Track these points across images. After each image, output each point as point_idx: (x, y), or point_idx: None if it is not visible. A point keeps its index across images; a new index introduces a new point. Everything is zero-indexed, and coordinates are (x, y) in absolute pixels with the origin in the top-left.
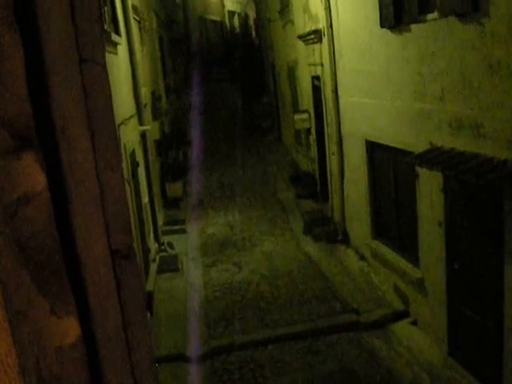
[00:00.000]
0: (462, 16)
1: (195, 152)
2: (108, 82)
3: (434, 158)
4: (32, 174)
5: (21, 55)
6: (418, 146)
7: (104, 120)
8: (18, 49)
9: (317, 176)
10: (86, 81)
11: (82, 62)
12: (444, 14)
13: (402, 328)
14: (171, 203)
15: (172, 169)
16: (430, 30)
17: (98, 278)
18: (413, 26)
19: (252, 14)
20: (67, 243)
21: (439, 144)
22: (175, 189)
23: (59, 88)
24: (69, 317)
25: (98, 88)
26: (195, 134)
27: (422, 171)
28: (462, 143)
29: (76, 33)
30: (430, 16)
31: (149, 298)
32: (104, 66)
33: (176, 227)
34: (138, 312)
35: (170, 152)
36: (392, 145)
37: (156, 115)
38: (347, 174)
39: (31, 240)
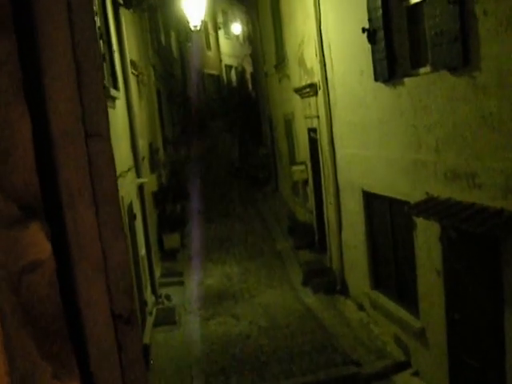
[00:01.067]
0: (453, 70)
1: (193, 203)
2: (112, 155)
3: (431, 207)
4: (38, 243)
5: (29, 129)
6: (415, 195)
7: (109, 192)
8: (26, 122)
9: (314, 226)
10: (91, 154)
11: (87, 136)
12: (436, 68)
13: (403, 379)
14: (168, 255)
15: (169, 220)
16: (422, 83)
17: (99, 343)
18: (406, 80)
19: (249, 68)
20: (70, 308)
21: (435, 194)
22: (172, 240)
23: (65, 161)
24: (71, 381)
25: (103, 161)
26: (193, 185)
27: (419, 220)
28: (458, 193)
29: (82, 108)
30: (422, 70)
31: (145, 351)
32: (109, 139)
33: (173, 279)
34: (139, 376)
35: (167, 204)
36: (389, 195)
37: (154, 167)
38: (345, 224)
39: (35, 306)
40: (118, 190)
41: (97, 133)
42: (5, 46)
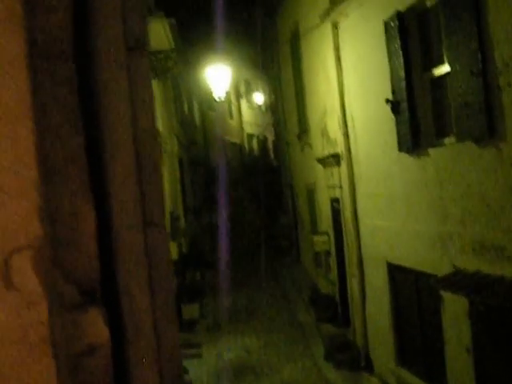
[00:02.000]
0: (478, 141)
1: (213, 273)
2: (169, 244)
3: (458, 281)
4: (96, 328)
5: (93, 218)
6: (442, 268)
7: (164, 279)
8: (91, 212)
9: (337, 298)
10: (149, 243)
11: (146, 225)
12: (461, 139)
13: None
14: (186, 325)
15: (188, 290)
16: (447, 153)
17: None
18: (430, 150)
19: (270, 137)
20: None
21: (463, 266)
22: (191, 311)
23: (124, 248)
24: None
25: (159, 250)
26: (214, 254)
27: (447, 294)
28: (486, 265)
29: (142, 200)
30: (447, 140)
31: None
32: (165, 229)
33: (191, 351)
34: None
35: (187, 273)
36: (414, 267)
37: (174, 236)
38: (369, 297)
39: None
40: (173, 279)
41: (154, 223)
42: (77, 142)
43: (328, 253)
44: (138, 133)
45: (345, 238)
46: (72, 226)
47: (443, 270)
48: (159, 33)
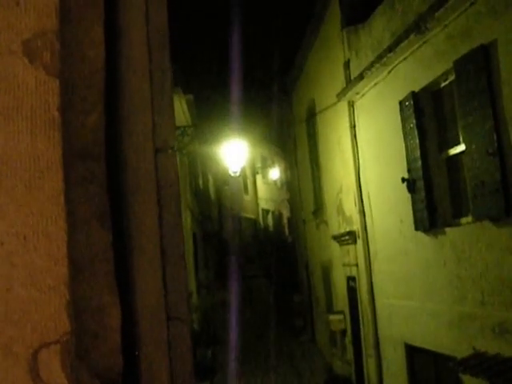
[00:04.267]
0: (496, 220)
1: (225, 351)
2: (190, 338)
3: (479, 364)
4: None
5: (118, 315)
6: (461, 350)
7: (186, 374)
8: (117, 309)
9: (353, 380)
10: (171, 336)
11: (169, 319)
12: (478, 218)
13: None
14: None
15: (199, 368)
16: (465, 233)
17: None
18: (447, 229)
19: (285, 213)
20: None
21: (483, 349)
22: None
23: (147, 340)
24: None
25: (181, 343)
26: (226, 331)
27: (467, 378)
28: (507, 348)
29: (166, 294)
30: (464, 220)
31: None
32: (188, 324)
33: None
34: None
35: (198, 350)
36: (433, 349)
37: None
38: (386, 379)
39: None
40: (193, 368)
41: (178, 316)
42: (105, 238)
43: (344, 332)
44: (163, 232)
45: (361, 318)
46: (98, 321)
47: (462, 351)
48: (176, 109)
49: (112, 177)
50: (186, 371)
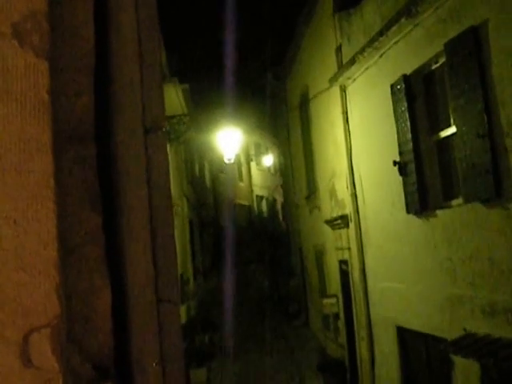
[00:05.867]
0: (486, 202)
1: (222, 336)
2: (180, 319)
3: (469, 345)
4: None
5: (109, 296)
6: (452, 332)
7: (175, 352)
8: (107, 290)
9: (346, 363)
10: (161, 318)
11: (159, 302)
12: (469, 200)
13: None
14: None
15: (197, 354)
16: (455, 215)
17: None
18: (438, 212)
19: (279, 199)
20: None
21: (473, 330)
22: (199, 376)
23: (139, 326)
24: None
25: (171, 326)
26: (222, 316)
27: (458, 359)
28: (497, 329)
29: (156, 278)
30: (454, 202)
31: None
32: (178, 305)
33: None
34: None
35: (196, 336)
36: (424, 331)
37: (184, 299)
38: (378, 361)
39: None
40: (183, 350)
41: (168, 299)
42: (95, 221)
43: (337, 316)
44: (153, 213)
45: (353, 301)
46: (88, 304)
47: (453, 333)
48: (172, 98)
49: (102, 159)
50: (177, 353)
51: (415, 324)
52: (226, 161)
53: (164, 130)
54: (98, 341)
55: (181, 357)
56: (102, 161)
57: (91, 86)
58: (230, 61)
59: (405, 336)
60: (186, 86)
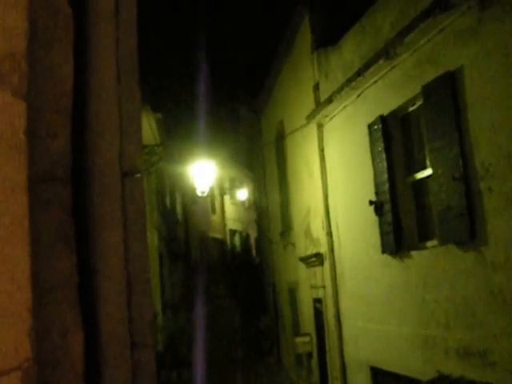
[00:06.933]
0: (461, 244)
1: (191, 372)
2: (154, 362)
3: None
4: None
5: (81, 342)
6: (426, 373)
7: (146, 374)
8: (80, 336)
9: None
10: (135, 362)
11: (133, 345)
12: (443, 242)
13: None
14: None
15: None
16: (430, 256)
17: None
18: (413, 253)
19: (253, 234)
20: None
21: (447, 372)
22: None
23: (112, 370)
24: None
25: (146, 371)
26: (192, 353)
27: None
28: (471, 371)
29: (130, 320)
30: (429, 243)
31: None
32: (153, 348)
33: None
34: None
35: (163, 371)
36: (398, 372)
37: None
38: None
39: None
40: None
41: (142, 342)
42: (69, 263)
43: (310, 355)
44: (130, 257)
45: (327, 340)
46: (60, 347)
47: (427, 374)
48: (145, 127)
49: (78, 201)
50: None
51: (389, 365)
52: (199, 193)
53: (141, 173)
54: None
55: None
56: (77, 203)
57: (68, 128)
58: (204, 92)
59: (379, 377)
60: (159, 115)
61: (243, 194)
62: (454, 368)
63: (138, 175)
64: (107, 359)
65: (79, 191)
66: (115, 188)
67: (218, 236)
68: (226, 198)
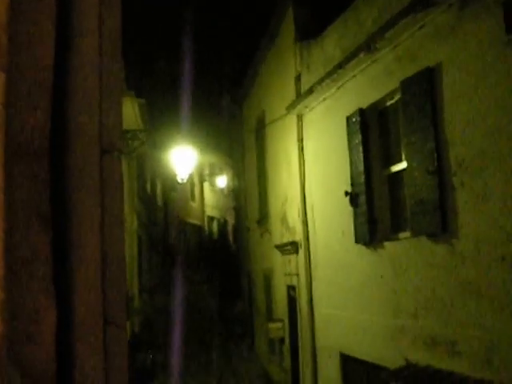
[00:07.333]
0: (432, 236)
1: (166, 355)
2: (126, 343)
3: (410, 375)
4: None
5: (54, 318)
6: (394, 361)
7: (119, 380)
8: (53, 312)
9: None
10: (107, 342)
11: (106, 324)
12: (416, 234)
13: None
14: None
15: (139, 373)
16: (403, 247)
17: None
18: (386, 244)
19: (231, 221)
20: None
21: (415, 360)
22: None
23: (84, 348)
24: None
25: (117, 350)
26: (167, 336)
27: None
28: (437, 360)
29: (104, 299)
30: (402, 235)
31: None
32: (125, 328)
33: None
34: None
35: (138, 354)
36: (367, 359)
37: (128, 315)
38: None
39: None
40: (127, 376)
41: (114, 322)
42: (44, 239)
43: (282, 340)
44: (106, 235)
45: (299, 326)
46: (33, 323)
47: (395, 363)
48: (129, 112)
49: (55, 176)
50: (121, 379)
51: (358, 352)
52: (179, 180)
53: (120, 151)
54: (40, 361)
55: (124, 382)
56: (54, 178)
57: (47, 102)
58: (188, 79)
59: (348, 363)
60: (143, 100)
61: (222, 181)
62: (421, 357)
63: (117, 153)
64: (79, 337)
65: (57, 167)
66: (94, 165)
67: (197, 222)
68: (206, 184)
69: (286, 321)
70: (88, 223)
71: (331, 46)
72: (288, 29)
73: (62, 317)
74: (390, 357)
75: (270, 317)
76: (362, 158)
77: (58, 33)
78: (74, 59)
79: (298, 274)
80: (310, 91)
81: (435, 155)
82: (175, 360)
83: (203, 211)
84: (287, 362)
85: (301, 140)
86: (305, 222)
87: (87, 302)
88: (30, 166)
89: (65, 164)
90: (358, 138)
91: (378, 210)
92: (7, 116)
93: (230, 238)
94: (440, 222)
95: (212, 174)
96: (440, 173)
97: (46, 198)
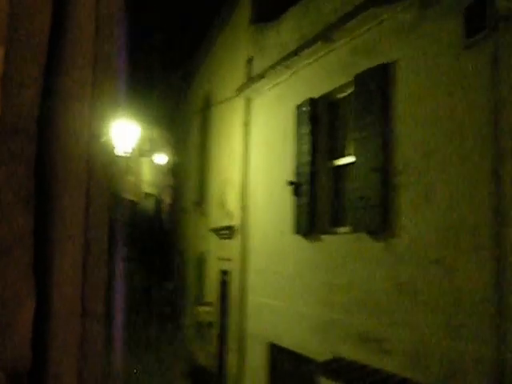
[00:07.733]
0: (372, 233)
1: None
2: (104, 336)
3: (338, 368)
4: None
5: (32, 307)
6: (323, 354)
7: (94, 372)
8: (31, 302)
9: (214, 372)
10: (83, 334)
11: (83, 315)
12: (355, 230)
13: None
14: None
15: None
16: (341, 242)
17: None
18: (325, 237)
19: (167, 200)
20: None
21: (343, 354)
22: None
23: (60, 339)
24: None
25: (93, 341)
26: None
27: (326, 380)
28: (365, 356)
29: (83, 287)
30: (342, 229)
31: None
32: (103, 319)
33: None
34: None
35: None
36: (296, 350)
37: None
38: (248, 374)
39: None
40: (102, 373)
41: (93, 314)
42: (26, 222)
43: (211, 324)
44: (89, 223)
45: (230, 312)
46: (10, 311)
47: (324, 356)
48: None
49: (41, 160)
50: (95, 373)
51: (288, 342)
52: (121, 154)
53: (106, 137)
54: (15, 350)
55: (100, 377)
56: (40, 162)
57: (40, 80)
58: (135, 55)
59: (276, 353)
60: None
61: (162, 158)
62: (351, 352)
63: (105, 138)
64: (56, 326)
65: (43, 149)
66: (82, 150)
67: (133, 198)
68: (145, 160)
69: (218, 306)
70: (72, 212)
71: (288, 31)
72: (243, 10)
73: (40, 304)
74: (319, 349)
75: (200, 300)
76: (308, 149)
77: (54, 9)
78: (68, 38)
79: (232, 260)
80: (262, 76)
81: (381, 153)
82: None
83: (140, 187)
84: (213, 347)
85: (247, 124)
86: (244, 208)
87: (65, 291)
88: (18, 146)
89: (51, 148)
90: (307, 128)
91: (319, 202)
92: (2, 92)
93: (166, 216)
94: (381, 220)
95: (152, 151)
96: (385, 171)
97: (31, 182)
